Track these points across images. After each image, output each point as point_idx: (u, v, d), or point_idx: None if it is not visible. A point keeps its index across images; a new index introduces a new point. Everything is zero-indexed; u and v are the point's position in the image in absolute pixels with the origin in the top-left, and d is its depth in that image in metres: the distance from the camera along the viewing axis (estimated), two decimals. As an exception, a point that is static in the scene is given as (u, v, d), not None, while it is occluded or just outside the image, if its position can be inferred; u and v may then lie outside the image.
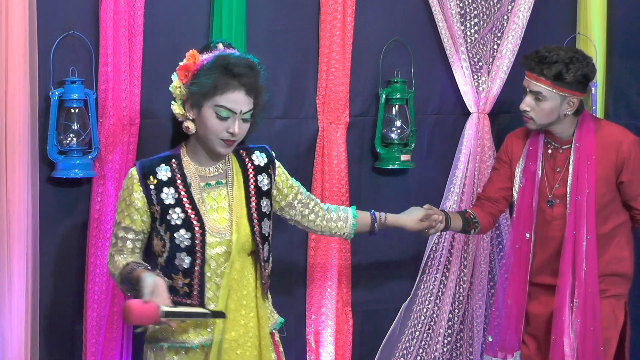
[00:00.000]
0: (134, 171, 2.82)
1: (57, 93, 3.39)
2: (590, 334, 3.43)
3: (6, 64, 3.24)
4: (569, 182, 3.45)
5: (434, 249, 4.07)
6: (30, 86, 3.29)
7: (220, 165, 2.89)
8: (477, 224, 3.61)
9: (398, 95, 3.93)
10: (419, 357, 4.08)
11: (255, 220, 2.86)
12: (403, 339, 4.06)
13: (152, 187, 2.80)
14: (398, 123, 3.95)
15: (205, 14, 3.63)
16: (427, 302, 4.08)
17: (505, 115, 4.19)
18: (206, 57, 2.79)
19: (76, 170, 3.40)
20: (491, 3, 4.04)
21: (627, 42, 4.05)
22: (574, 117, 3.46)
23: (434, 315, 4.09)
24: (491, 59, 4.05)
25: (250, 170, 2.92)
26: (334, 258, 3.90)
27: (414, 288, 4.09)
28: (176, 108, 2.81)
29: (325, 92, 3.84)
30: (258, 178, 2.92)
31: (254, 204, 2.88)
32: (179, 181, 2.82)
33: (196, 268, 2.79)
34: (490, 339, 3.66)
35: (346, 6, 3.81)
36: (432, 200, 3.69)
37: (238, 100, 2.75)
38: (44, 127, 3.39)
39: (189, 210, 2.80)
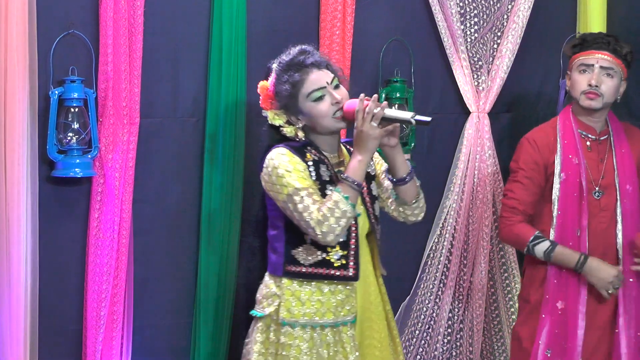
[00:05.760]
0: (282, 149, 2.93)
1: (57, 92, 3.38)
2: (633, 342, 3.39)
3: (6, 63, 3.24)
4: (615, 171, 3.43)
5: (433, 247, 4.07)
6: (30, 85, 3.28)
7: (337, 153, 3.07)
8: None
9: (398, 95, 3.92)
10: (418, 356, 4.08)
11: (368, 204, 3.06)
12: (403, 338, 4.05)
13: (310, 162, 2.94)
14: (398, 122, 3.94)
15: (206, 14, 3.63)
16: (426, 301, 4.08)
17: (505, 115, 4.19)
18: (271, 78, 3.02)
19: (76, 170, 3.39)
20: (491, 2, 4.05)
21: (627, 41, 4.04)
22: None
23: (434, 314, 4.09)
24: (491, 59, 4.05)
25: None
26: (334, 257, 3.89)
27: (413, 287, 4.09)
28: (290, 130, 2.98)
29: (326, 91, 3.84)
30: None
31: (365, 187, 3.04)
32: (326, 161, 2.98)
33: (352, 240, 2.96)
34: (549, 354, 3.43)
35: (346, 5, 3.81)
36: (432, 200, 3.68)
37: (319, 77, 2.96)
38: (44, 126, 3.38)
39: None
